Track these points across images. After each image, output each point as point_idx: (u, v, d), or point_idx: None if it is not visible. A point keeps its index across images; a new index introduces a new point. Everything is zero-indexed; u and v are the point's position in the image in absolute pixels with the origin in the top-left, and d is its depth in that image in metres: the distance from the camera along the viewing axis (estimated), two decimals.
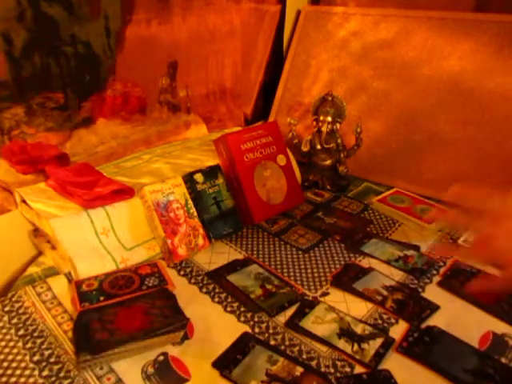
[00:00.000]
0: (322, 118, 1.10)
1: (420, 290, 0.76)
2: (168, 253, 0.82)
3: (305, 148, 1.13)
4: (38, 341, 0.64)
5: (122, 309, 0.67)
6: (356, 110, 1.18)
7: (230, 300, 0.73)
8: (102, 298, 0.70)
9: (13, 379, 0.58)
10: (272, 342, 0.64)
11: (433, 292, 0.75)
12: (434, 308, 0.71)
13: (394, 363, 0.61)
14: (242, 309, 0.71)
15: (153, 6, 1.07)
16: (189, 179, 0.88)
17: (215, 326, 0.68)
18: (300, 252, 0.86)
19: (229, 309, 0.71)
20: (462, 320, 0.69)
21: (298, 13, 1.37)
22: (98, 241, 0.79)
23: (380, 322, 0.69)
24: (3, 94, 0.86)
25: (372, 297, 0.74)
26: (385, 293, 0.75)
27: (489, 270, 0.80)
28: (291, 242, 0.90)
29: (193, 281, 0.78)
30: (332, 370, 0.60)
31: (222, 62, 1.28)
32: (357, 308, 0.71)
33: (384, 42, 1.20)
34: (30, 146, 0.90)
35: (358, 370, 0.60)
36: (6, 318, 0.68)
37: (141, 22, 1.05)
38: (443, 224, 0.95)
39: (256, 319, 0.69)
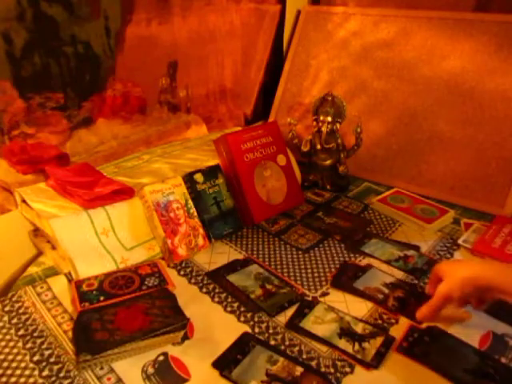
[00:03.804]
0: (322, 117, 1.10)
1: (420, 290, 0.76)
2: (168, 253, 0.82)
3: (305, 148, 1.13)
4: (38, 341, 0.64)
5: (122, 309, 0.67)
6: (356, 110, 1.17)
7: (230, 300, 0.73)
8: (102, 298, 0.70)
9: (13, 379, 0.58)
10: (272, 342, 0.64)
11: None
12: None
13: (394, 363, 0.61)
14: (242, 309, 0.71)
15: (153, 6, 1.07)
16: (189, 179, 0.88)
17: (215, 326, 0.68)
18: (300, 252, 0.86)
19: (229, 309, 0.71)
20: None
21: (298, 13, 1.37)
22: (98, 241, 0.79)
23: (380, 321, 0.69)
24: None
25: (374, 295, 0.74)
26: (386, 291, 0.75)
27: None
28: (291, 242, 0.90)
29: (193, 281, 0.78)
30: (332, 370, 0.60)
31: (222, 62, 1.28)
32: (357, 308, 0.71)
33: (384, 42, 1.20)
34: (29, 146, 0.90)
35: (359, 369, 0.60)
36: (5, 318, 0.68)
37: (141, 22, 1.05)
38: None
39: (256, 319, 0.69)
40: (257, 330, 0.67)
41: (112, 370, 0.59)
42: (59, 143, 0.96)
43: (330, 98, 1.09)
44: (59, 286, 0.75)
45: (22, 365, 0.60)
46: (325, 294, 0.75)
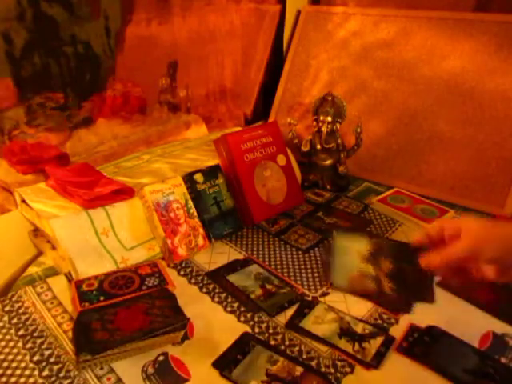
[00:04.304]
0: (322, 118, 1.10)
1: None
2: (168, 253, 0.82)
3: (305, 148, 1.13)
4: (38, 341, 0.64)
5: (122, 309, 0.67)
6: (356, 110, 1.17)
7: (230, 300, 0.73)
8: (102, 298, 0.70)
9: (13, 379, 0.58)
10: (272, 342, 0.64)
11: None
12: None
13: (394, 363, 0.61)
14: (242, 309, 0.71)
15: (153, 6, 1.07)
16: (189, 179, 0.88)
17: (215, 325, 0.68)
18: (300, 252, 0.86)
19: (229, 309, 0.71)
20: (462, 320, 0.69)
21: (298, 13, 1.37)
22: (98, 241, 0.79)
23: (380, 321, 0.69)
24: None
25: (367, 288, 0.74)
26: (374, 273, 0.76)
27: None
28: (291, 242, 0.90)
29: (193, 281, 0.78)
30: (332, 370, 0.60)
31: (222, 62, 1.28)
32: (356, 308, 0.71)
33: (384, 42, 1.20)
34: (29, 145, 0.90)
35: (359, 369, 0.60)
36: (5, 318, 0.68)
37: (141, 22, 1.05)
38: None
39: (256, 319, 0.69)
40: (257, 329, 0.67)
41: (112, 370, 0.59)
42: (59, 143, 0.96)
43: (330, 98, 1.09)
44: (59, 286, 0.75)
45: (22, 365, 0.60)
46: (325, 294, 0.75)
